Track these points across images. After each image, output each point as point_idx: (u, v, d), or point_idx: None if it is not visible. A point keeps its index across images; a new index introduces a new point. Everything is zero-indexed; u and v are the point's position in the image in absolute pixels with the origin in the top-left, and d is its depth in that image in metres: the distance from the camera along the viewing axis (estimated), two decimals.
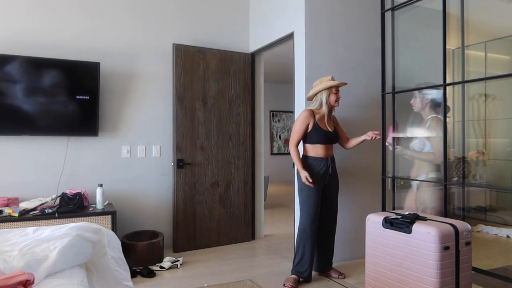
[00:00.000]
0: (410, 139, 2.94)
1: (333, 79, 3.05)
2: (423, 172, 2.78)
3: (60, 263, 1.63)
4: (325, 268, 3.19)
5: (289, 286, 2.90)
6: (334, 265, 3.28)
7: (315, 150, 3.04)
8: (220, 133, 4.03)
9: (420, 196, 2.91)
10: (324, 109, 3.06)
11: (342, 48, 3.55)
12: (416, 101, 2.93)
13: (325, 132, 3.04)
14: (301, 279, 3.00)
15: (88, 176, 3.61)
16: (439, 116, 2.75)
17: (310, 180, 2.89)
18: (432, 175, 2.71)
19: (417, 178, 2.97)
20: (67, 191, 3.31)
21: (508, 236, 4.11)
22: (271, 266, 3.39)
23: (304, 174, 2.92)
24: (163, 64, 3.91)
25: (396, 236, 2.24)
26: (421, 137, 2.78)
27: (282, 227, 4.89)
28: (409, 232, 2.17)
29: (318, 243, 3.14)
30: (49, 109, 3.36)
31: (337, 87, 3.06)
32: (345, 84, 3.11)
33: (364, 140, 3.08)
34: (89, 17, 3.64)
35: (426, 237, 2.08)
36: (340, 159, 3.50)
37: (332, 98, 3.04)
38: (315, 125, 3.03)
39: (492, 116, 4.47)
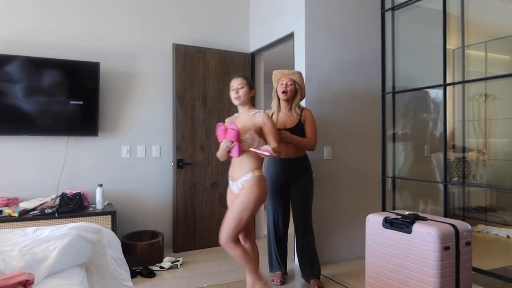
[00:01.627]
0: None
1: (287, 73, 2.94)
2: (248, 171, 2.46)
3: (60, 263, 1.63)
4: (308, 277, 2.95)
5: (278, 281, 2.97)
6: (333, 265, 3.26)
7: None
8: None
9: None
10: (273, 102, 2.95)
11: (342, 48, 3.55)
12: (243, 91, 2.53)
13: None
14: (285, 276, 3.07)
15: (88, 176, 3.61)
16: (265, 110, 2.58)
17: None
18: (258, 173, 2.44)
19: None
20: (67, 191, 3.31)
21: (508, 236, 4.11)
22: None
23: None
24: (163, 64, 3.91)
25: (396, 236, 2.24)
26: (251, 131, 2.42)
27: None
28: (409, 232, 2.17)
29: (297, 250, 3.03)
30: (49, 109, 3.36)
31: (285, 78, 2.88)
32: (285, 73, 2.90)
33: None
34: (89, 17, 3.64)
35: (426, 237, 2.08)
36: (340, 159, 3.50)
37: (279, 89, 2.89)
38: None
39: (492, 116, 4.47)
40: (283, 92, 2.85)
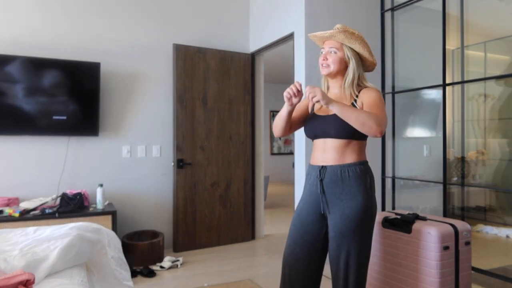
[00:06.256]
0: None
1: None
2: None
3: (60, 263, 1.63)
4: None
5: None
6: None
7: (313, 152, 1.91)
8: (220, 133, 4.03)
9: None
10: (322, 80, 1.98)
11: None
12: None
13: (314, 117, 1.89)
14: None
15: (88, 176, 3.61)
16: None
17: None
18: None
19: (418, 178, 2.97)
20: (68, 191, 3.32)
21: (507, 236, 4.12)
22: (271, 266, 3.39)
23: None
24: (163, 64, 3.92)
25: (396, 236, 2.25)
26: None
27: (282, 227, 4.89)
28: (409, 232, 2.17)
29: None
30: (50, 109, 3.36)
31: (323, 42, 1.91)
32: (325, 36, 1.86)
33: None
34: (90, 17, 3.64)
35: (426, 237, 2.08)
36: None
37: (319, 60, 1.89)
38: (313, 106, 1.96)
39: (492, 116, 4.47)
40: (322, 65, 1.88)
